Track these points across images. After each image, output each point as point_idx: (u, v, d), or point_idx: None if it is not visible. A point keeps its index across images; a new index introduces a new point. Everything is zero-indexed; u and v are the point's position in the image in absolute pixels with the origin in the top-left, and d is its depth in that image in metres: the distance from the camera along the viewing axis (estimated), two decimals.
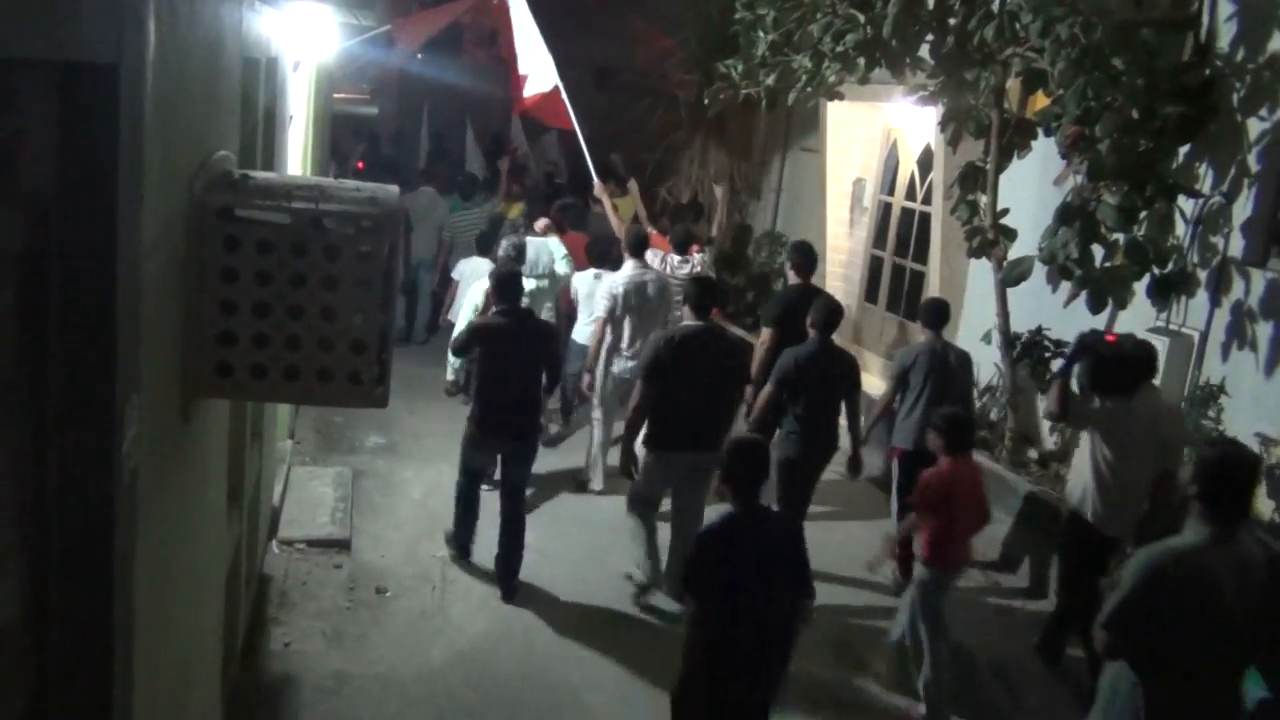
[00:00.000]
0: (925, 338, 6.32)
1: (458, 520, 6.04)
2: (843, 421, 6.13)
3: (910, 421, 6.13)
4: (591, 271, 7.76)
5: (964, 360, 6.30)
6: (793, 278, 7.51)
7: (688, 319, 5.88)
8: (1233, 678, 3.31)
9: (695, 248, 8.25)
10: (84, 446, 1.85)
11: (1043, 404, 6.71)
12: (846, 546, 6.59)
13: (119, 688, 2.05)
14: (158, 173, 2.12)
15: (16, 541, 1.80)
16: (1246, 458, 3.41)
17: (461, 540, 6.06)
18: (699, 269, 7.90)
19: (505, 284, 5.77)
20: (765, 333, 7.08)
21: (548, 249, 7.88)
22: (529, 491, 6.25)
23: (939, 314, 6.34)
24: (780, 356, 6.05)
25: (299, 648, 5.08)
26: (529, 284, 6.89)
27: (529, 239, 7.77)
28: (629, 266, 7.28)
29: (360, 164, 13.23)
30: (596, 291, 7.41)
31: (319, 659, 5.01)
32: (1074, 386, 5.44)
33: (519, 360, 5.72)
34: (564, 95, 8.45)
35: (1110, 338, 5.56)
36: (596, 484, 7.30)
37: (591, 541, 6.51)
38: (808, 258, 7.49)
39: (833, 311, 6.14)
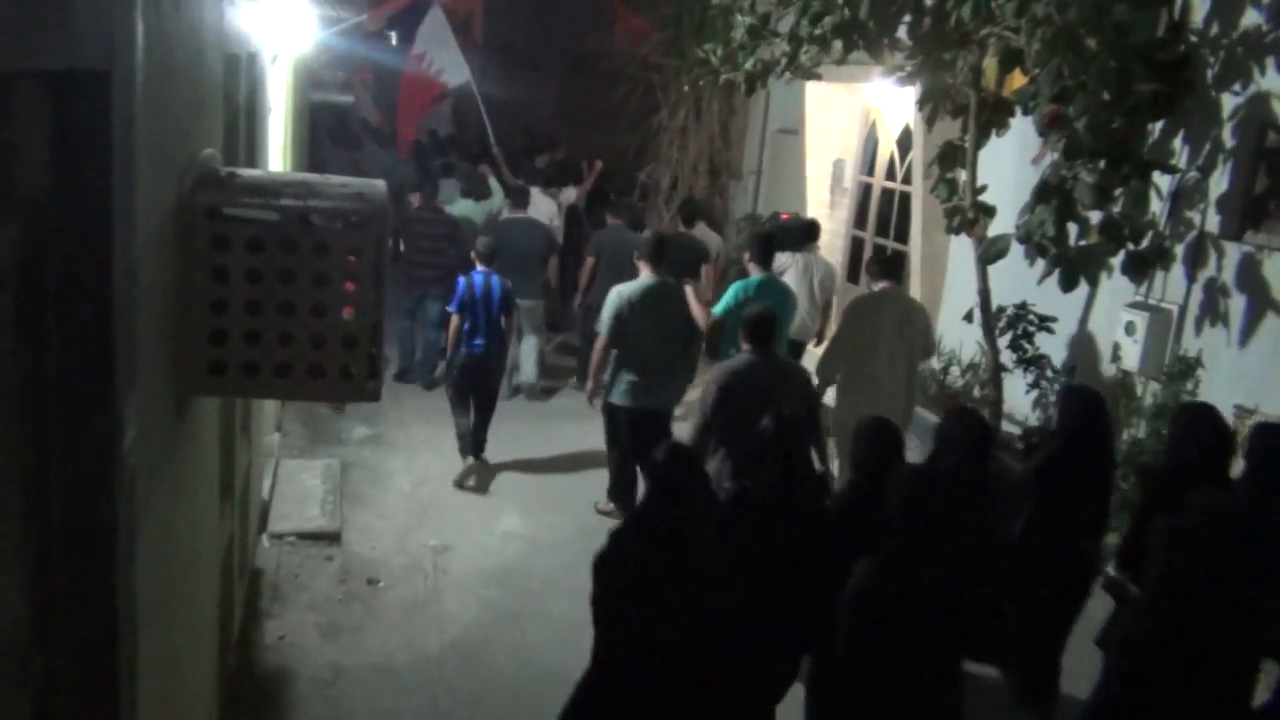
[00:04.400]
0: (611, 224, 8.98)
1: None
2: None
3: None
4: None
5: (630, 241, 8.41)
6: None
7: (511, 214, 8.98)
8: None
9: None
10: (85, 449, 1.87)
11: (1026, 380, 6.82)
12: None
13: (124, 684, 2.07)
14: (149, 175, 2.13)
15: (21, 542, 1.82)
16: (691, 242, 7.06)
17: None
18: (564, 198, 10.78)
19: (430, 181, 9.31)
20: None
21: (487, 183, 10.69)
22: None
23: (628, 212, 9.07)
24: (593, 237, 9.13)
25: (293, 640, 5.10)
26: (479, 207, 9.90)
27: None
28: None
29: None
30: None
31: (313, 651, 5.04)
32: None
33: (434, 237, 8.78)
34: (474, 89, 11.12)
35: (784, 216, 9.51)
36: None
37: (581, 530, 6.54)
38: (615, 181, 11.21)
39: (595, 196, 9.83)
